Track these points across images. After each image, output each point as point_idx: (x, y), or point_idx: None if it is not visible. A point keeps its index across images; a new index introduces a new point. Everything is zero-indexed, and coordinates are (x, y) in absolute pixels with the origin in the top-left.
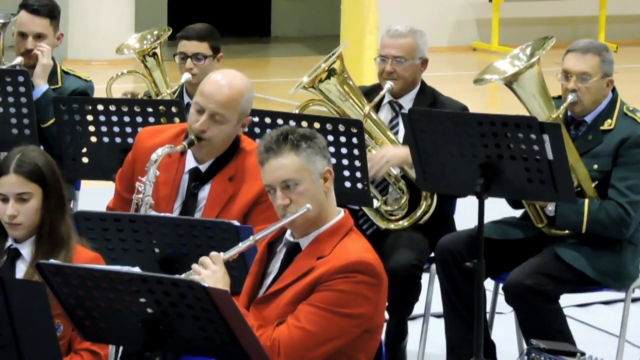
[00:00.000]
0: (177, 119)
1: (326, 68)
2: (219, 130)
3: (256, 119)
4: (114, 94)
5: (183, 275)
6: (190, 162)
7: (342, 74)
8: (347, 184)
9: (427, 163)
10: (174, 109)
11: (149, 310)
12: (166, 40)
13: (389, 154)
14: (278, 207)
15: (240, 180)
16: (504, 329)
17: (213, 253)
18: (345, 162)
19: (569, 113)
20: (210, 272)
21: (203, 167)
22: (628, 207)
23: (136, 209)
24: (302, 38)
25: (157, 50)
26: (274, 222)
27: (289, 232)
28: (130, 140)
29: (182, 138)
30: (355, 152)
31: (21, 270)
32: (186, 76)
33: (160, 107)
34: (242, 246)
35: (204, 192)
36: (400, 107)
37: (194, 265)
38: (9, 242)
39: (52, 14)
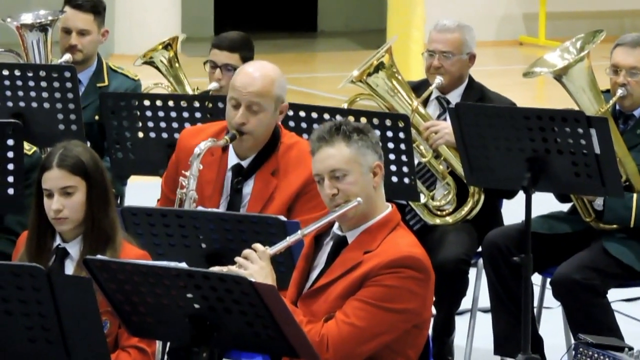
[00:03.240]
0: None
1: (375, 62)
2: (258, 121)
3: (303, 114)
4: None
5: (229, 269)
6: (232, 159)
7: (391, 68)
8: (394, 179)
9: (474, 158)
10: (220, 105)
11: (196, 306)
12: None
13: (451, 129)
14: (325, 197)
15: (283, 174)
16: (552, 323)
17: (259, 248)
18: (392, 156)
19: (617, 107)
20: (257, 267)
21: (245, 163)
22: None
23: (180, 204)
24: (349, 33)
25: (179, 70)
26: (319, 212)
27: (336, 225)
28: (177, 135)
29: (224, 135)
30: (402, 147)
31: (70, 269)
32: (213, 85)
33: (207, 103)
34: (289, 240)
35: (248, 188)
36: (448, 102)
37: (240, 260)
38: (57, 242)
39: (96, 9)
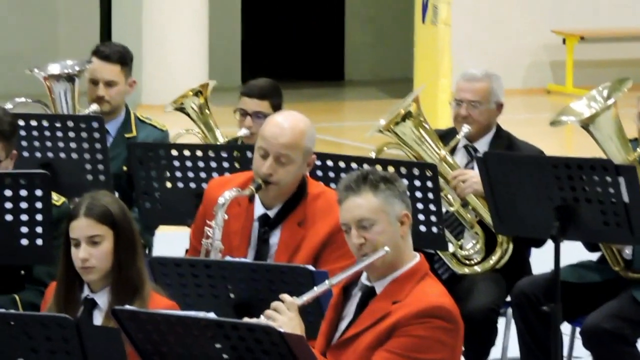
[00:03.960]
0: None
1: (402, 111)
2: (285, 172)
3: (330, 163)
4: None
5: (258, 320)
6: (258, 209)
7: (418, 116)
8: (422, 228)
9: (502, 207)
10: (248, 154)
11: (225, 356)
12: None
13: (478, 178)
14: (353, 247)
15: (310, 224)
16: None
17: (288, 298)
18: (420, 205)
19: None
20: (286, 318)
21: (272, 213)
22: None
23: (206, 254)
24: (376, 81)
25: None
26: (347, 261)
27: (364, 275)
28: (204, 185)
29: (249, 185)
30: (430, 195)
31: (98, 319)
32: (244, 131)
33: (235, 152)
34: (317, 291)
35: (275, 238)
36: (476, 150)
37: (268, 312)
38: (86, 293)
39: (124, 60)
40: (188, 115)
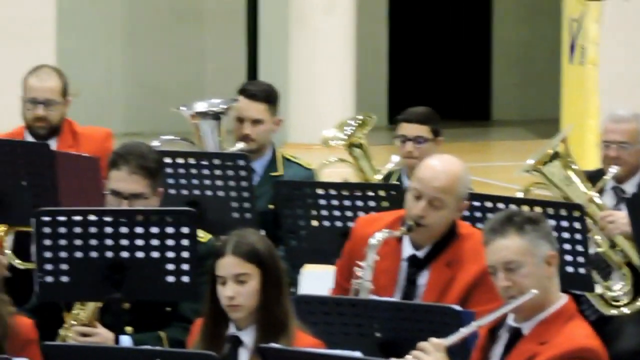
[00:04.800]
0: (394, 203)
1: (550, 151)
2: (437, 216)
3: (477, 203)
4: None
5: None
6: (407, 250)
7: (566, 157)
8: (569, 269)
9: None
10: (393, 193)
11: None
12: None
13: (627, 219)
14: (500, 289)
15: (459, 265)
16: None
17: (434, 340)
18: (567, 246)
19: None
20: (432, 359)
21: (421, 254)
22: None
23: (355, 294)
24: (523, 122)
25: (363, 141)
26: (495, 303)
27: (510, 316)
28: (350, 224)
29: (399, 225)
30: (577, 236)
31: (244, 357)
32: (395, 159)
33: (380, 191)
34: (464, 332)
35: (423, 279)
36: (624, 192)
37: (415, 352)
38: (231, 330)
39: (270, 99)
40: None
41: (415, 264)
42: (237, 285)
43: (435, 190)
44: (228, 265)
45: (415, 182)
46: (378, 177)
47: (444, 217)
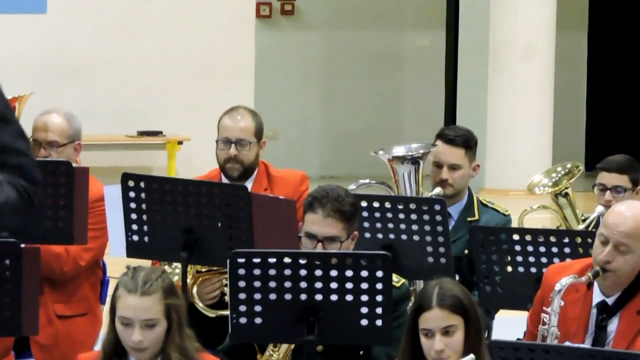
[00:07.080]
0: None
1: None
2: (624, 261)
3: None
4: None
5: None
6: (597, 296)
7: None
8: None
9: None
10: (589, 240)
11: None
12: (583, 172)
13: None
14: None
15: None
16: None
17: None
18: None
19: None
20: None
21: (610, 300)
22: None
23: (542, 340)
24: None
25: (569, 191)
26: None
27: None
28: (544, 270)
29: (587, 272)
30: None
31: None
32: (599, 209)
33: (577, 238)
34: None
35: (613, 326)
36: None
37: None
38: None
39: (468, 144)
40: (556, 196)
41: (605, 311)
42: (445, 338)
43: (621, 235)
44: (436, 318)
45: (603, 227)
46: (581, 227)
47: (630, 262)
